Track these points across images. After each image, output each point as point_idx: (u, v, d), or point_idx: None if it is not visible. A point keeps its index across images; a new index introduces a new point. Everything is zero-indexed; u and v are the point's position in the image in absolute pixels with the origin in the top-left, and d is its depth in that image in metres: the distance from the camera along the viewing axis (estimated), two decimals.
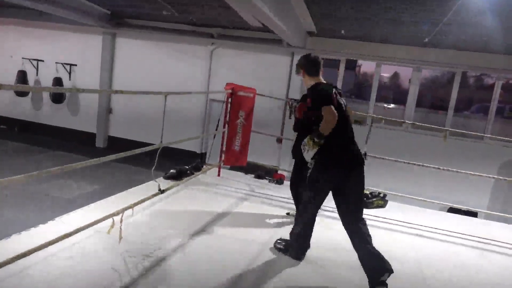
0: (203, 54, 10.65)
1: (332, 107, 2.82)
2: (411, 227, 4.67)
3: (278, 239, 3.47)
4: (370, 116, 5.66)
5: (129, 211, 3.15)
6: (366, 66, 12.93)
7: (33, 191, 6.93)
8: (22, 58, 11.81)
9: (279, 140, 9.74)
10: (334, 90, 3.02)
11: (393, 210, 5.19)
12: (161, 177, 5.22)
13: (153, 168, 3.54)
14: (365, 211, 4.89)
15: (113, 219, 2.83)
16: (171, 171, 5.28)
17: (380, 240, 4.04)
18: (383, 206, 5.16)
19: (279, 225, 4.18)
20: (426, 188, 8.83)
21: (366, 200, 5.04)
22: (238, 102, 5.27)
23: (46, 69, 11.72)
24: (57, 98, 11.46)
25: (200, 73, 10.70)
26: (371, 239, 2.95)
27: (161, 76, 10.90)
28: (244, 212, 4.41)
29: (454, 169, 5.41)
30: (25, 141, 10.98)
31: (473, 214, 8.76)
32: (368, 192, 5.12)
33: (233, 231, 3.79)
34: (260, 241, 3.63)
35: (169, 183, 4.67)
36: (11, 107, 12.46)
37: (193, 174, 5.48)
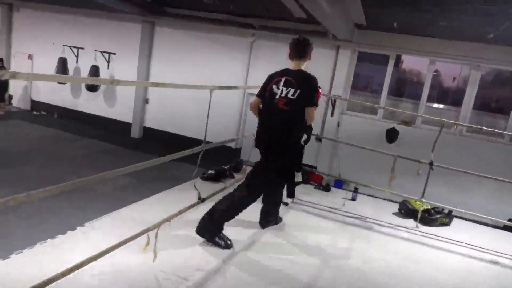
0: (242, 46, 10.21)
1: (256, 98, 3.37)
2: (483, 251, 4.06)
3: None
4: (419, 116, 5.02)
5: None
6: (409, 63, 11.98)
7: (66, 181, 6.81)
8: (63, 45, 11.85)
9: (319, 139, 9.20)
10: (282, 78, 3.17)
11: (458, 228, 4.59)
12: (199, 177, 4.87)
13: (194, 173, 3.15)
14: (427, 229, 4.45)
15: (147, 235, 2.46)
16: (210, 171, 4.91)
17: (451, 267, 3.57)
18: (447, 224, 4.56)
19: (332, 238, 3.72)
20: (479, 199, 8.08)
21: (429, 217, 4.46)
22: None
23: (85, 56, 11.71)
24: (92, 86, 11.43)
25: (239, 65, 10.29)
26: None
27: (198, 67, 10.59)
28: (292, 224, 3.96)
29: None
30: (63, 128, 11.01)
31: None
32: (430, 207, 4.54)
33: (281, 249, 3.36)
34: (313, 262, 3.19)
35: (208, 186, 4.30)
36: (52, 94, 12.59)
37: (232, 175, 5.10)
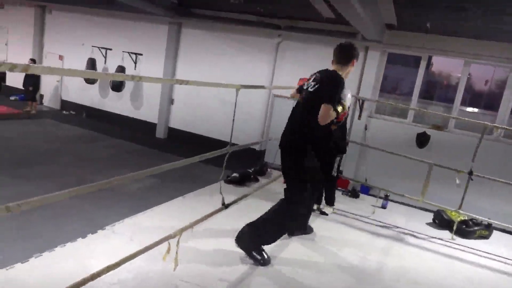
0: (268, 47, 10.08)
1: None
2: None
3: None
4: (453, 119, 4.73)
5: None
6: (439, 65, 11.51)
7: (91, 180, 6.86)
8: (92, 46, 12.07)
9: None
10: (312, 76, 3.10)
11: (498, 242, 4.28)
12: (222, 180, 4.76)
13: (220, 176, 3.03)
14: (464, 241, 4.18)
15: (169, 243, 2.35)
16: (234, 174, 4.80)
17: (489, 285, 3.33)
18: (487, 237, 4.27)
19: (363, 251, 3.52)
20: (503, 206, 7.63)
21: (467, 229, 4.18)
22: None
23: (113, 57, 11.88)
24: (115, 86, 11.56)
25: (265, 66, 10.17)
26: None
27: (224, 68, 10.54)
28: (321, 234, 3.78)
29: None
30: (90, 128, 11.20)
31: None
32: (468, 219, 4.26)
33: (308, 261, 3.19)
34: (343, 277, 3.00)
35: (231, 189, 4.18)
36: (81, 94, 12.86)
37: (257, 179, 4.96)
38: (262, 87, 3.72)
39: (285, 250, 3.29)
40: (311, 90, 2.94)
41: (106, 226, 3.05)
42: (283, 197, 3.05)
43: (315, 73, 3.10)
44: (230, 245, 2.98)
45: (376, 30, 7.94)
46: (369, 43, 8.77)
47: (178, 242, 2.41)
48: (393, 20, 7.98)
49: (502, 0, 5.60)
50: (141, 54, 11.59)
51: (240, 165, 5.13)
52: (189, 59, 11.16)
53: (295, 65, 9.70)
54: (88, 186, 1.88)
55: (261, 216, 3.00)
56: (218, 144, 3.13)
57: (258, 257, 2.92)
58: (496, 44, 7.91)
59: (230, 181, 4.69)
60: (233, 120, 2.94)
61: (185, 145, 10.81)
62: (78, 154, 8.67)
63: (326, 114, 2.76)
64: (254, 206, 4.02)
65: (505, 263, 3.83)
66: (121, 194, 6.28)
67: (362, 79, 9.08)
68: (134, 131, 11.59)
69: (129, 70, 11.49)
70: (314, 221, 4.06)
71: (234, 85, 2.88)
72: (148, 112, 11.81)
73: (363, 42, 8.81)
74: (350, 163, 9.12)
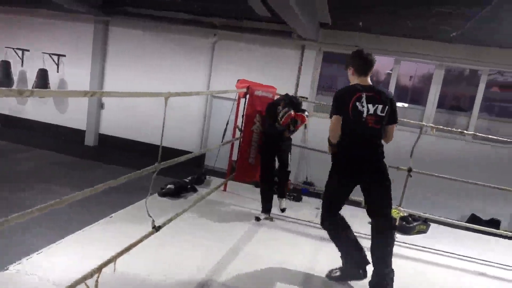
0: (204, 47, 9.71)
1: (336, 118, 2.91)
2: (465, 260, 3.84)
3: (333, 269, 3.18)
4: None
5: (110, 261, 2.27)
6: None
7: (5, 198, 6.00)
8: (5, 47, 10.81)
9: None
10: (361, 94, 2.87)
11: (437, 235, 4.36)
12: (156, 194, 4.35)
13: (147, 199, 2.65)
14: (406, 238, 4.19)
15: (86, 284, 1.95)
16: (168, 186, 4.40)
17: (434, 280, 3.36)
18: (425, 231, 4.34)
19: (310, 258, 3.33)
20: (445, 195, 8.07)
21: (406, 225, 4.21)
22: (255, 103, 4.30)
23: (32, 60, 10.73)
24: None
25: (201, 67, 9.79)
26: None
27: (158, 70, 9.98)
28: (266, 244, 3.55)
29: (475, 182, 4.56)
30: (7, 138, 10.00)
31: (496, 223, 8.05)
32: (407, 215, 4.29)
33: (248, 282, 2.93)
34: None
35: (166, 204, 3.80)
36: None
37: (195, 189, 4.61)
38: (196, 93, 3.40)
39: (221, 272, 3.00)
40: (382, 114, 2.91)
41: (10, 265, 2.53)
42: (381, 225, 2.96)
43: (368, 93, 2.90)
44: (163, 273, 2.63)
45: (312, 29, 7.93)
46: (305, 42, 8.77)
47: (97, 283, 2.01)
48: (328, 19, 8.04)
49: (428, 3, 5.84)
50: (64, 56, 10.60)
51: (179, 172, 4.74)
52: (119, 60, 10.41)
53: (232, 65, 9.44)
54: None
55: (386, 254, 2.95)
56: (156, 149, 2.75)
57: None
58: (423, 42, 8.29)
59: (164, 193, 4.28)
60: (162, 132, 2.56)
61: (119, 152, 10.08)
62: None
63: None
64: (193, 224, 3.69)
65: (442, 255, 3.91)
66: (39, 217, 5.54)
67: (299, 78, 9.07)
68: (60, 139, 10.59)
69: (51, 73, 10.46)
70: (258, 231, 3.83)
71: (162, 93, 2.50)
72: (75, 118, 10.83)
73: (299, 41, 8.79)
74: (292, 163, 9.07)
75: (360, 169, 2.91)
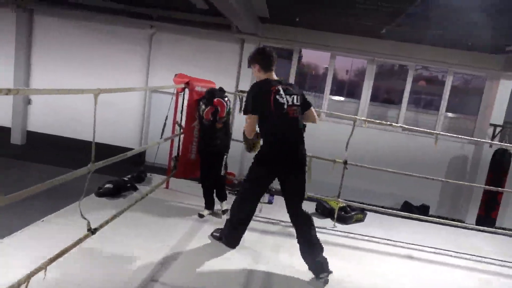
0: (141, 39, 9.35)
1: (253, 117, 2.99)
2: (397, 245, 4.12)
3: (215, 229, 3.58)
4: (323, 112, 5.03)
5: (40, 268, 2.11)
6: (308, 57, 12.24)
7: None
8: None
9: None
10: (277, 87, 2.99)
11: (373, 223, 4.63)
12: (93, 194, 4.12)
13: (80, 200, 2.49)
14: (345, 227, 4.40)
15: None
16: (106, 185, 4.18)
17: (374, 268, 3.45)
18: (362, 220, 4.57)
19: (257, 249, 3.37)
20: (379, 184, 8.57)
21: (345, 215, 4.41)
22: (195, 99, 4.22)
23: None
24: None
25: (138, 60, 9.42)
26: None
27: (92, 62, 9.44)
28: (209, 241, 3.52)
29: (407, 172, 4.90)
30: None
31: (426, 208, 8.77)
32: (345, 205, 4.49)
33: (189, 280, 2.89)
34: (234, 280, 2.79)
35: (104, 204, 3.62)
36: None
37: (135, 187, 4.44)
38: (130, 89, 3.21)
39: (163, 271, 2.94)
40: (298, 103, 3.07)
41: None
42: (303, 213, 3.13)
43: (282, 85, 3.05)
44: (97, 284, 2.50)
45: (250, 22, 7.96)
46: (244, 36, 8.79)
47: None
48: (266, 13, 8.11)
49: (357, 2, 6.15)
50: None
51: (119, 169, 4.51)
52: (47, 52, 9.68)
53: (171, 58, 9.20)
54: None
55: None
56: (88, 145, 2.58)
57: None
58: (356, 38, 8.68)
59: (102, 193, 4.07)
60: (94, 131, 2.39)
61: (50, 150, 9.40)
62: None
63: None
64: (133, 225, 3.55)
65: (378, 242, 4.16)
66: None
67: (240, 73, 9.08)
68: None
69: None
70: (201, 228, 3.79)
71: (91, 89, 2.35)
72: None
73: (239, 35, 8.79)
74: (234, 161, 9.09)
75: (285, 162, 3.01)
